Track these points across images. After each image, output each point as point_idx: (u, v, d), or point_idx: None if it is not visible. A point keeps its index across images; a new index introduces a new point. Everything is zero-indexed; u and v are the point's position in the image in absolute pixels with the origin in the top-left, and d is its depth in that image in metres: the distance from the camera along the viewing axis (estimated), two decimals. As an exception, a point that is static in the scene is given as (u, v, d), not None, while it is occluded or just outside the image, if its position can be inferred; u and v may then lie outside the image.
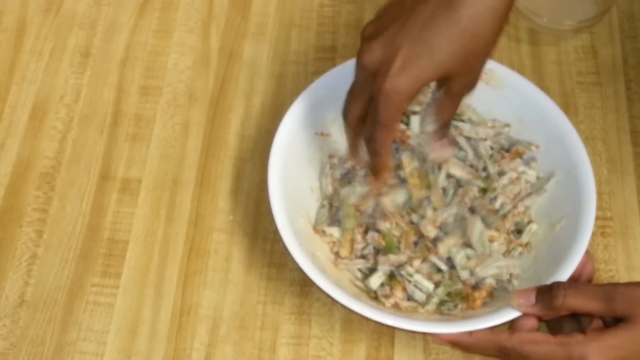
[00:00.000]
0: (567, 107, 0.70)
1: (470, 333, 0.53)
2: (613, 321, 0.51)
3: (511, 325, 0.54)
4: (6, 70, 0.72)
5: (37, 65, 0.73)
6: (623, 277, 0.63)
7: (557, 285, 0.52)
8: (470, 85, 0.54)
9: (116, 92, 0.71)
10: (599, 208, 0.61)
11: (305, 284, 0.62)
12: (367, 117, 0.54)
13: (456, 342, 0.53)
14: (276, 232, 0.64)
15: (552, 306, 0.52)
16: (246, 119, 0.70)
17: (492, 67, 0.64)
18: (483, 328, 0.53)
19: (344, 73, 0.61)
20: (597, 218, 0.60)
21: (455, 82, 0.53)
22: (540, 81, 0.71)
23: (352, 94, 0.55)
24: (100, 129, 0.69)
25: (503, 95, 0.64)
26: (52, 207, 0.66)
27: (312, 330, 0.61)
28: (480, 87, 0.63)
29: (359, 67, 0.53)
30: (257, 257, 0.64)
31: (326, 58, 0.73)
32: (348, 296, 0.55)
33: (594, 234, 0.58)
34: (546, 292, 0.52)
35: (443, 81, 0.53)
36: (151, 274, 0.63)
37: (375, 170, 0.57)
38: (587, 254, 0.56)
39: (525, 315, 0.53)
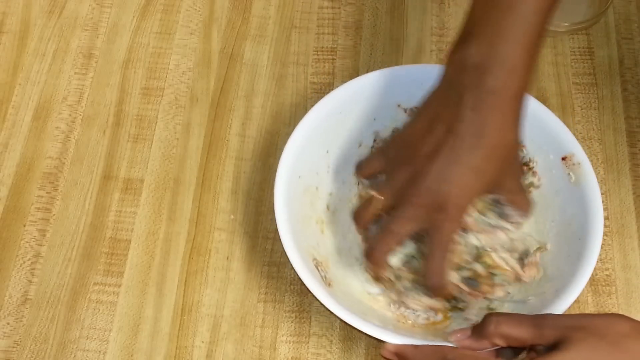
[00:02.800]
0: (564, 108, 0.70)
1: (416, 346, 0.54)
2: (545, 351, 0.51)
3: None
4: (10, 71, 0.73)
5: (40, 66, 0.73)
6: (619, 276, 0.63)
7: (489, 314, 0.53)
8: (520, 178, 0.59)
9: (118, 93, 0.72)
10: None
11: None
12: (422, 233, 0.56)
13: (401, 353, 0.54)
14: (276, 231, 0.65)
15: (484, 333, 0.52)
16: (247, 120, 0.70)
17: None
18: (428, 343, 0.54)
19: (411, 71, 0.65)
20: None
21: (506, 184, 0.56)
22: (537, 82, 0.72)
23: (403, 218, 0.55)
24: (103, 130, 0.70)
25: None
26: (55, 206, 0.66)
27: (312, 328, 0.61)
28: None
29: (416, 205, 0.54)
30: (257, 255, 0.64)
31: (326, 59, 0.74)
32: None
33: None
34: (478, 326, 0.53)
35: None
36: (153, 273, 0.64)
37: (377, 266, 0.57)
38: None
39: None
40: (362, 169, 0.61)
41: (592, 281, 0.63)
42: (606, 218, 0.65)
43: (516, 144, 0.55)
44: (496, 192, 0.57)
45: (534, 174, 0.64)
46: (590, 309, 0.62)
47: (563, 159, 0.61)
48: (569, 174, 0.61)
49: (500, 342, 0.52)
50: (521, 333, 0.51)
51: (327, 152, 0.64)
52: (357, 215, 0.59)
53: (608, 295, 0.63)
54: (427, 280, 0.55)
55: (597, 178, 0.66)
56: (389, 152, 0.58)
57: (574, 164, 0.61)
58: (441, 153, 0.53)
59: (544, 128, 0.63)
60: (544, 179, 0.63)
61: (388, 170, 0.58)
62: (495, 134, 0.53)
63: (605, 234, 0.64)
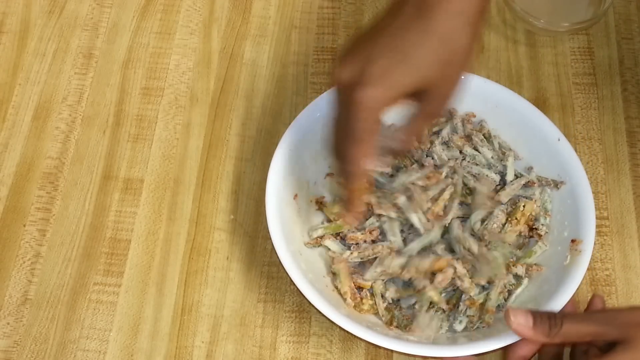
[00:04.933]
0: (564, 108, 0.71)
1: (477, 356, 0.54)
2: (607, 347, 0.51)
3: (507, 350, 0.55)
4: (10, 71, 0.73)
5: (40, 66, 0.73)
6: (619, 276, 0.63)
7: (554, 313, 0.53)
8: (445, 98, 0.52)
9: (118, 93, 0.72)
10: (596, 207, 0.62)
11: (305, 283, 0.63)
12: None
13: None
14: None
15: (551, 333, 0.52)
16: (247, 120, 0.71)
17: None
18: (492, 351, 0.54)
19: None
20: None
21: (432, 94, 0.51)
22: (537, 82, 0.72)
23: (337, 124, 0.52)
24: (103, 130, 0.70)
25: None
26: (55, 206, 0.66)
27: (312, 328, 0.61)
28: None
29: (337, 84, 0.50)
30: (257, 255, 0.64)
31: (326, 59, 0.74)
32: (347, 319, 0.55)
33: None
34: (544, 319, 0.53)
35: (419, 96, 0.51)
36: (153, 273, 0.64)
37: (349, 198, 0.54)
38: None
39: (523, 341, 0.54)
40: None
41: (592, 281, 0.63)
42: (606, 218, 0.66)
43: (468, 48, 0.50)
44: (422, 93, 0.51)
45: (538, 235, 0.63)
46: (590, 309, 0.62)
47: (572, 241, 0.60)
48: (567, 256, 0.60)
49: (560, 340, 0.52)
50: (585, 331, 0.51)
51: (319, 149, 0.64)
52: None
53: (608, 296, 0.63)
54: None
55: (597, 178, 0.67)
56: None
57: (576, 250, 0.59)
58: (380, 30, 0.49)
59: (575, 205, 0.61)
60: (547, 252, 0.62)
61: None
62: (443, 19, 0.48)
63: (605, 234, 0.65)
